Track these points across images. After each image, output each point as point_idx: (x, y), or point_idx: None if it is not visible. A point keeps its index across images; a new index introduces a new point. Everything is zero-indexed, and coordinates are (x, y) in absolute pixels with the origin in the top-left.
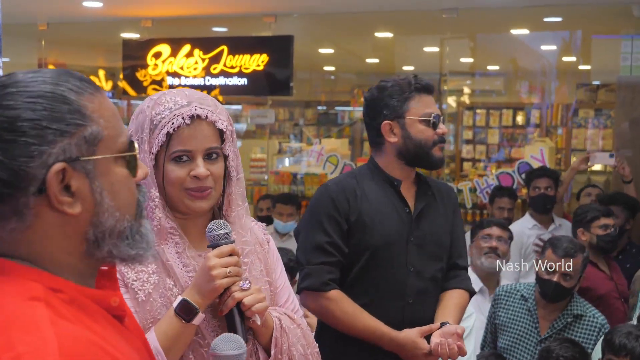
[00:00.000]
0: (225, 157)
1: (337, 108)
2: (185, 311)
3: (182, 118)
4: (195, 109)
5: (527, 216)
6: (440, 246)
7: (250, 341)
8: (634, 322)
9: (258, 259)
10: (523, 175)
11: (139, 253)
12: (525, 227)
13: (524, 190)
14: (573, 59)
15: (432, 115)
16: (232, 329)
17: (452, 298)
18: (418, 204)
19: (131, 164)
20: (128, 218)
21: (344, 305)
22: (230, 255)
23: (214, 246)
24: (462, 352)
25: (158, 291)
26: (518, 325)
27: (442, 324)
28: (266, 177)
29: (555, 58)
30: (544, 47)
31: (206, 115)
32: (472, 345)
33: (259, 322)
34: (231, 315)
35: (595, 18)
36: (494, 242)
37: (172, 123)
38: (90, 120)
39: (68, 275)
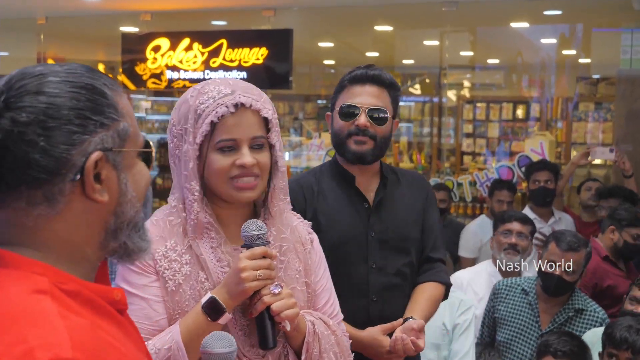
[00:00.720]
0: (271, 147)
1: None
2: (213, 309)
3: (226, 106)
4: (240, 97)
5: (526, 209)
6: (406, 239)
7: (281, 344)
8: None
9: (297, 258)
10: (523, 169)
11: (144, 245)
12: None
13: (524, 184)
14: (573, 52)
15: (344, 105)
16: (261, 331)
17: (422, 292)
18: (377, 197)
19: (147, 161)
20: (141, 209)
21: None
22: (264, 257)
23: (248, 246)
24: (418, 348)
25: (189, 283)
26: (518, 319)
27: (405, 320)
28: None
29: (555, 51)
30: (544, 41)
31: (250, 104)
32: (472, 337)
33: (288, 328)
34: (261, 317)
35: (595, 11)
36: (514, 239)
37: (216, 112)
38: (122, 116)
39: (77, 268)
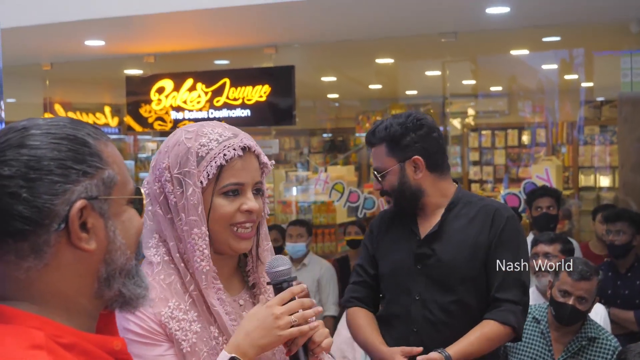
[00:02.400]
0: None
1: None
2: None
3: (234, 149)
4: (245, 141)
5: (529, 236)
6: (451, 275)
7: None
8: None
9: None
10: None
11: (141, 292)
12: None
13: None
14: (575, 76)
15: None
16: None
17: (476, 329)
18: (431, 230)
19: (139, 208)
20: (133, 257)
21: (356, 320)
22: (299, 295)
23: (275, 284)
24: None
25: (202, 340)
26: (531, 348)
27: (434, 350)
28: (274, 207)
29: (557, 76)
30: (544, 67)
31: (254, 149)
32: None
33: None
34: (295, 357)
35: (594, 35)
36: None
37: (224, 154)
38: (107, 164)
39: (74, 319)
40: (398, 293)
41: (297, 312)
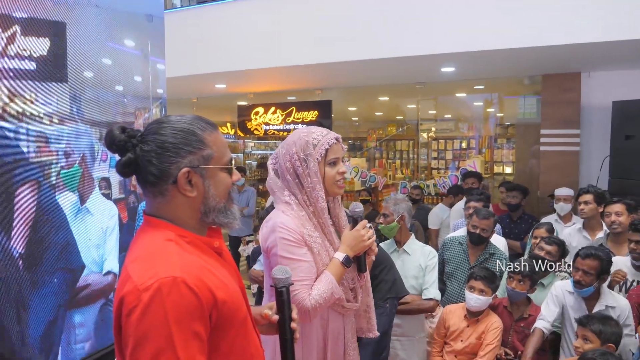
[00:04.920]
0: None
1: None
2: (347, 261)
3: (332, 139)
4: (335, 135)
5: (464, 200)
6: None
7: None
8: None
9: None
10: (461, 175)
11: (230, 221)
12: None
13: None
14: (493, 109)
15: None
16: (359, 264)
17: None
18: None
19: (230, 172)
20: (223, 201)
21: None
22: (365, 227)
23: (353, 218)
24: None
25: (322, 247)
26: (457, 260)
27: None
28: None
29: (482, 109)
30: (475, 103)
31: (340, 139)
32: (436, 272)
33: (373, 258)
34: (360, 257)
35: (504, 86)
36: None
37: (328, 142)
38: (208, 146)
39: (189, 229)
40: None
41: (369, 233)
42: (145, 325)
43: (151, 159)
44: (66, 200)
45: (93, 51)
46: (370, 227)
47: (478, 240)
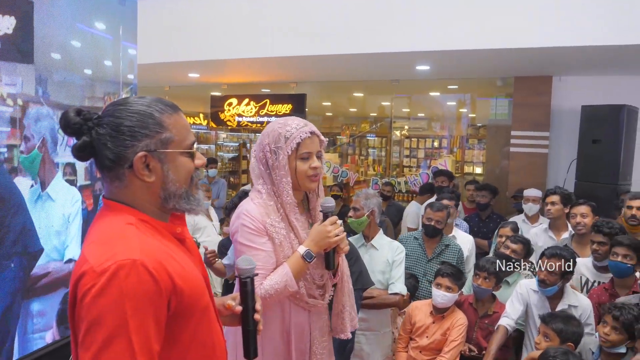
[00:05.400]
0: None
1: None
2: (308, 256)
3: (305, 133)
4: (311, 128)
5: (435, 196)
6: None
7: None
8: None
9: None
10: (433, 174)
11: (192, 207)
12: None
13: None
14: (465, 110)
15: None
16: (328, 260)
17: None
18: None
19: (192, 156)
20: (184, 187)
21: None
22: (334, 222)
23: (324, 214)
24: None
25: (286, 239)
26: (414, 253)
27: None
28: None
29: (455, 109)
30: (448, 103)
31: (317, 132)
32: (403, 267)
33: (343, 256)
34: (328, 253)
35: (476, 87)
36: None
37: (300, 136)
38: (166, 129)
39: (150, 214)
40: None
41: (336, 230)
42: (99, 308)
43: (106, 143)
44: (25, 184)
45: (62, 32)
46: (341, 225)
47: (433, 233)
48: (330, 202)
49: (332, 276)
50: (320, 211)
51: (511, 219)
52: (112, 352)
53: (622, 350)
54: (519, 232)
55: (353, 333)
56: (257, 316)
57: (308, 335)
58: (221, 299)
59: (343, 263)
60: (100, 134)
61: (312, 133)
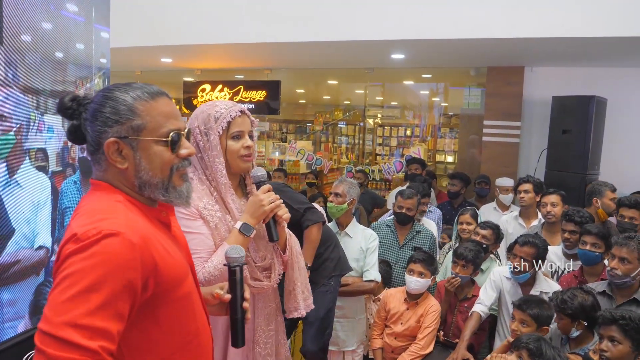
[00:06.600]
0: (251, 138)
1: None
2: (246, 229)
3: (235, 112)
4: (240, 107)
5: (407, 184)
6: None
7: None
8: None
9: None
10: (406, 162)
11: (170, 199)
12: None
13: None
14: (438, 99)
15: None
16: (270, 232)
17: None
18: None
19: (173, 145)
20: (160, 177)
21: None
22: (269, 190)
23: (257, 183)
24: None
25: (221, 222)
26: (387, 241)
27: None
28: (265, 162)
29: (427, 98)
30: (422, 92)
31: (246, 112)
32: (376, 255)
33: (285, 224)
34: (268, 224)
35: (450, 76)
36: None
37: (230, 115)
38: (138, 116)
39: (137, 198)
40: None
41: (270, 198)
42: (76, 267)
43: (87, 127)
44: None
45: (32, 13)
46: (278, 195)
47: (405, 220)
48: (261, 172)
49: (282, 253)
50: (252, 182)
51: (483, 207)
52: (76, 303)
53: (575, 334)
54: (479, 219)
55: (332, 314)
56: (245, 304)
57: (252, 322)
58: (209, 288)
59: (292, 239)
60: (84, 119)
61: (242, 112)
